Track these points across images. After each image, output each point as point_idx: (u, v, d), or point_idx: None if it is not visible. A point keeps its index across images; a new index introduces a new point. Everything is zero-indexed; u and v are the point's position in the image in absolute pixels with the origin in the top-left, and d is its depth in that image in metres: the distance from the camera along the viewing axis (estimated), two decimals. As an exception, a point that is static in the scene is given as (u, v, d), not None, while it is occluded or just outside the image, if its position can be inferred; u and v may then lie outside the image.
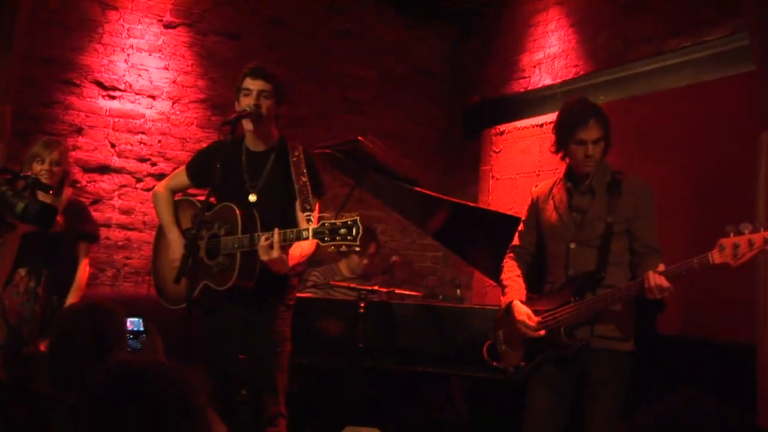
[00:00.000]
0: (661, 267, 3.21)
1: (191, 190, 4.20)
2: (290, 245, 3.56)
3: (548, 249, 3.69)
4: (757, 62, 3.93)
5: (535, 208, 3.78)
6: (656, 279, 3.18)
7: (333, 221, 3.27)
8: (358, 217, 3.27)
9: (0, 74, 4.71)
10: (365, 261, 5.65)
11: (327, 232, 3.27)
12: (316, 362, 4.07)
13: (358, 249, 3.35)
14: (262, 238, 3.49)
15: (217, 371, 3.79)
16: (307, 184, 3.70)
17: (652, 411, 1.34)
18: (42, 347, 4.39)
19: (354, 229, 3.24)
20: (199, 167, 3.92)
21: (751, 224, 3.05)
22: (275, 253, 3.45)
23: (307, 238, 3.38)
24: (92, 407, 1.43)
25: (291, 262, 3.65)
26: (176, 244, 3.86)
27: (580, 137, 3.50)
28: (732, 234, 3.06)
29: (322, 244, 3.33)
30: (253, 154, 3.87)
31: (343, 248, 3.30)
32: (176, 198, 4.04)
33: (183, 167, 4.11)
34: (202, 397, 1.48)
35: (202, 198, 3.86)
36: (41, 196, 4.27)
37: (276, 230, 3.46)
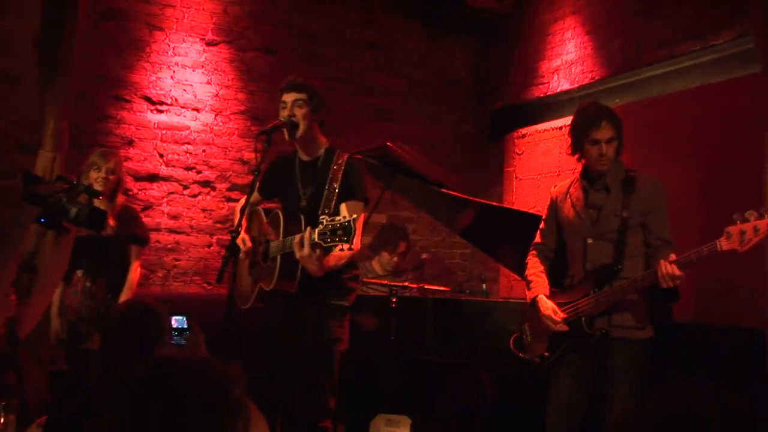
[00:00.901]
0: (673, 257, 3.23)
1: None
2: (327, 247, 3.53)
3: (567, 245, 3.70)
4: (763, 64, 3.92)
5: (554, 206, 3.79)
6: (668, 268, 3.20)
7: (333, 223, 3.26)
8: (353, 218, 3.26)
9: (59, 93, 4.83)
10: (395, 259, 5.63)
11: (327, 233, 3.26)
12: (353, 354, 4.11)
13: (347, 246, 3.29)
14: (297, 239, 3.49)
15: (266, 368, 3.79)
16: (335, 190, 3.71)
17: (652, 400, 1.31)
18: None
19: (347, 229, 3.23)
20: (264, 182, 3.95)
21: (756, 212, 3.08)
22: (306, 250, 3.44)
23: (315, 240, 3.34)
24: (127, 399, 1.43)
25: (328, 264, 3.62)
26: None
27: (594, 137, 3.52)
28: (738, 221, 3.09)
29: (324, 245, 3.32)
30: (304, 163, 3.90)
31: (342, 247, 3.29)
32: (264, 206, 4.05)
33: (258, 185, 4.08)
34: (237, 387, 1.47)
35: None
36: (96, 201, 4.38)
37: (307, 232, 3.45)
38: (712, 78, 4.95)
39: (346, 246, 3.30)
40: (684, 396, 1.27)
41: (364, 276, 5.48)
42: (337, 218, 3.29)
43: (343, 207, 3.69)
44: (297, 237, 3.49)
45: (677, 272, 3.19)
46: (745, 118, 4.51)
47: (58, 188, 3.35)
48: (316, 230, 3.32)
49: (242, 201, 4.13)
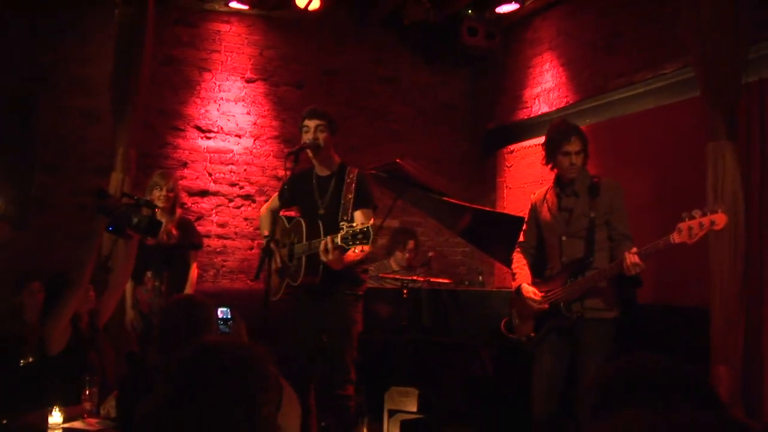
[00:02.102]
0: (634, 249, 3.24)
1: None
2: (348, 247, 3.53)
3: (546, 242, 3.70)
4: (701, 89, 3.94)
5: (534, 210, 3.78)
6: (631, 258, 3.21)
7: (354, 229, 3.28)
8: (371, 225, 3.28)
9: (128, 125, 4.88)
10: (407, 255, 5.60)
11: (350, 237, 3.28)
12: (371, 337, 4.09)
13: (368, 246, 3.31)
14: (322, 244, 3.49)
15: (297, 347, 3.81)
16: (351, 200, 3.72)
17: (611, 368, 1.33)
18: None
19: (367, 234, 3.26)
20: (284, 192, 3.94)
21: (700, 210, 3.11)
22: (331, 255, 3.47)
23: (339, 243, 3.37)
24: (176, 374, 1.44)
25: (346, 260, 3.63)
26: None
27: (565, 149, 3.53)
28: (687, 219, 3.12)
29: (347, 247, 3.34)
30: (320, 178, 3.89)
31: (362, 246, 3.31)
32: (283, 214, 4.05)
33: (276, 193, 4.14)
34: (270, 365, 1.48)
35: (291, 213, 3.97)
36: (159, 214, 4.49)
37: (329, 237, 3.45)
38: (663, 101, 4.96)
39: (366, 248, 3.32)
40: (636, 364, 1.31)
41: (382, 272, 5.44)
42: (356, 225, 3.30)
43: (357, 214, 3.69)
44: (321, 245, 3.48)
45: (639, 261, 3.20)
46: (690, 134, 4.50)
47: (124, 203, 3.47)
48: (339, 235, 3.33)
49: (264, 208, 4.16)
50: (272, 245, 3.71)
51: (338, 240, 3.35)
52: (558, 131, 3.60)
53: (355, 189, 3.77)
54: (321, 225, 3.69)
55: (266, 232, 3.96)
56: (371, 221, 3.36)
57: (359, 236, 3.27)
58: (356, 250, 3.37)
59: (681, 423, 0.94)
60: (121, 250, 4.34)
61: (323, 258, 3.50)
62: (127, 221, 3.30)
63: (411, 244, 5.65)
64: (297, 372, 3.62)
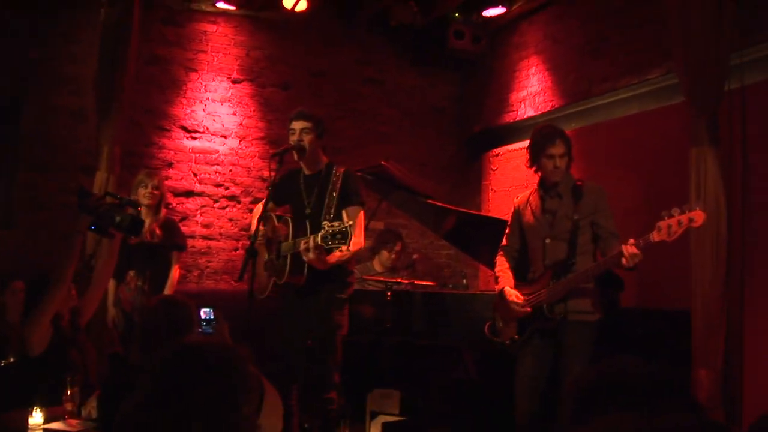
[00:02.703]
0: (632, 240, 3.20)
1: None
2: (328, 246, 3.53)
3: (529, 245, 3.68)
4: (685, 95, 3.97)
5: (517, 213, 3.78)
6: (630, 249, 3.18)
7: (334, 228, 3.28)
8: (349, 225, 3.28)
9: (113, 124, 4.86)
10: (393, 257, 5.55)
11: (329, 237, 3.28)
12: (354, 338, 4.08)
13: (346, 247, 3.31)
14: (302, 243, 3.49)
15: (281, 348, 3.80)
16: (336, 199, 3.70)
17: (592, 371, 1.34)
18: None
19: (345, 233, 3.26)
20: (276, 192, 3.87)
21: (679, 208, 3.13)
22: (311, 254, 3.47)
23: (318, 243, 3.37)
24: (157, 373, 1.45)
25: (330, 260, 3.62)
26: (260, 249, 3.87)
27: (549, 152, 3.54)
28: (666, 217, 3.14)
29: (326, 247, 3.34)
30: (307, 177, 3.89)
31: (342, 248, 3.31)
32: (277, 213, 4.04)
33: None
34: (249, 365, 1.48)
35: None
36: (144, 213, 4.46)
37: (311, 237, 3.45)
38: (647, 106, 5.01)
39: (345, 248, 3.31)
40: (617, 368, 1.32)
41: (366, 273, 5.40)
42: (336, 224, 3.29)
43: (344, 213, 3.64)
44: (302, 244, 3.48)
45: (638, 252, 3.17)
46: (673, 139, 4.53)
47: (107, 202, 3.46)
48: (319, 235, 3.34)
49: (258, 209, 4.12)
50: (258, 244, 3.70)
51: (318, 239, 3.35)
52: (542, 134, 3.62)
53: (340, 187, 3.76)
54: (308, 224, 3.70)
55: (253, 231, 3.94)
56: (359, 217, 3.34)
57: (338, 236, 3.27)
58: (342, 249, 3.36)
59: (664, 427, 0.94)
60: (104, 249, 4.31)
61: (305, 257, 3.51)
62: (110, 220, 3.29)
63: (399, 246, 5.63)
64: (281, 372, 3.61)
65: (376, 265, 5.65)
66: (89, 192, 3.48)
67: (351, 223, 3.31)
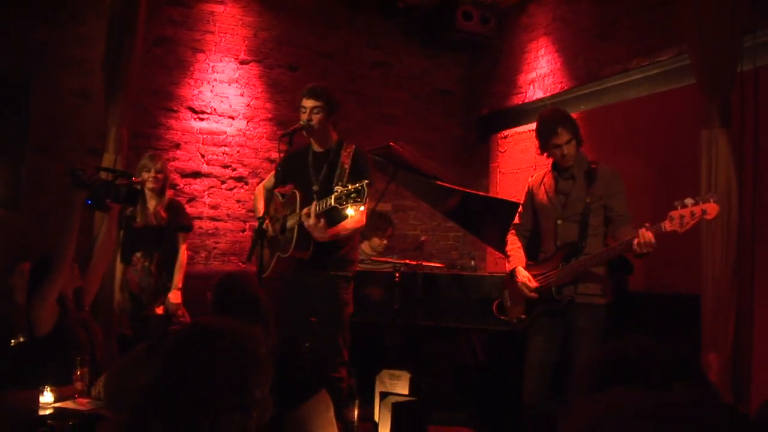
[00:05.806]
0: (648, 224, 3.14)
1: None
2: (330, 216, 3.50)
3: (541, 225, 3.69)
4: (697, 77, 3.93)
5: (530, 194, 3.78)
6: (646, 234, 3.13)
7: (349, 188, 3.24)
8: (366, 182, 3.23)
9: (120, 105, 4.84)
10: (384, 241, 5.51)
11: (343, 197, 3.24)
12: (362, 320, 4.06)
13: (362, 204, 3.26)
14: (304, 210, 3.48)
15: (288, 328, 3.74)
16: (346, 171, 3.68)
17: (603, 351, 1.34)
18: (157, 310, 4.51)
19: (361, 192, 3.22)
20: (278, 173, 3.92)
21: (692, 199, 3.08)
22: (311, 220, 3.46)
23: (332, 204, 3.34)
24: (169, 354, 1.46)
25: (330, 232, 3.62)
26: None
27: (554, 143, 3.53)
28: (679, 207, 3.09)
29: (340, 207, 3.29)
30: (316, 154, 3.88)
31: (356, 205, 3.26)
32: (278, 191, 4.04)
33: (273, 171, 4.11)
34: (261, 348, 1.48)
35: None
36: (149, 196, 4.44)
37: (314, 202, 3.45)
38: (658, 88, 4.96)
39: (359, 207, 3.26)
40: (627, 347, 1.31)
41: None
42: (351, 186, 3.27)
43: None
44: (305, 209, 3.49)
45: (653, 239, 3.11)
46: (684, 121, 4.51)
47: (101, 176, 3.43)
48: (333, 196, 3.30)
49: (259, 189, 4.12)
50: (266, 223, 3.68)
51: (332, 201, 3.32)
52: (544, 126, 3.59)
53: (351, 163, 3.74)
54: (315, 201, 3.67)
55: (260, 213, 3.94)
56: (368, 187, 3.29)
57: (353, 195, 3.24)
58: (349, 214, 3.31)
59: (672, 401, 0.92)
60: (104, 224, 4.30)
61: (305, 223, 3.50)
62: (106, 192, 3.28)
63: (390, 230, 5.60)
64: (287, 351, 3.59)
65: (366, 249, 5.57)
66: (81, 169, 3.45)
67: (366, 181, 3.26)
